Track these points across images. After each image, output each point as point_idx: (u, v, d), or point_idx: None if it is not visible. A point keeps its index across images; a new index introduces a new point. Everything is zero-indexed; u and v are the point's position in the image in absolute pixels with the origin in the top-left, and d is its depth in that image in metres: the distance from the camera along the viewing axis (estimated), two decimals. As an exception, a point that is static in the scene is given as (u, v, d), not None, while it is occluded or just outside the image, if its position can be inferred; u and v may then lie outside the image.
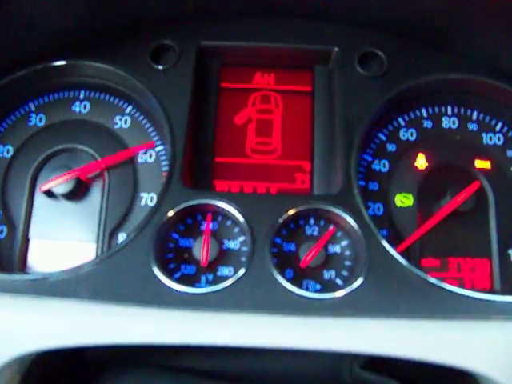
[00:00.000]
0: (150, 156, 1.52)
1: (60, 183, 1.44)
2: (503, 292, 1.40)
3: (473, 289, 1.30)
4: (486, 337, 1.25)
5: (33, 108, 1.57)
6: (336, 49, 1.54)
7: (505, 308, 1.27)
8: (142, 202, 1.48)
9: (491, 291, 1.41)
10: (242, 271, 1.28)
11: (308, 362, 1.55)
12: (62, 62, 1.53)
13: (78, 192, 1.47)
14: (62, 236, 1.47)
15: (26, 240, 1.47)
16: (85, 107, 1.57)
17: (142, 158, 1.52)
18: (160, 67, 1.51)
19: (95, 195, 1.49)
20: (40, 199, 1.49)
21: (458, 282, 1.42)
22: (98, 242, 1.45)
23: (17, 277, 1.30)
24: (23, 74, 1.53)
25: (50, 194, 1.47)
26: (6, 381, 1.27)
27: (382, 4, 1.47)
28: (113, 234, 1.46)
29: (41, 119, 1.56)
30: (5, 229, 1.48)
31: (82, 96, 1.58)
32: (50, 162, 1.52)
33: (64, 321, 1.25)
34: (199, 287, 1.27)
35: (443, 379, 1.49)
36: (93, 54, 1.53)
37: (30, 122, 1.56)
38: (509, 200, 1.48)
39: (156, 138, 1.53)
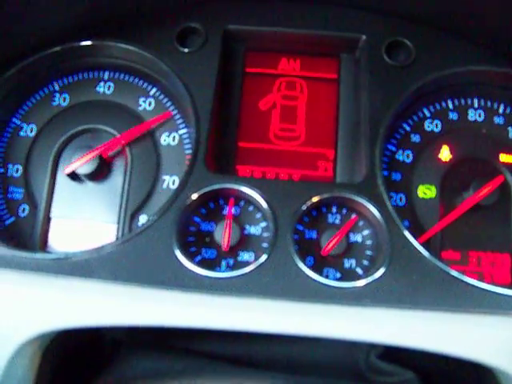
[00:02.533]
0: (174, 139, 1.51)
1: (83, 164, 1.44)
2: (523, 287, 1.40)
3: (493, 283, 1.29)
4: (506, 332, 1.24)
5: (57, 88, 1.57)
6: (363, 37, 1.53)
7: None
8: (164, 185, 1.48)
9: (511, 286, 1.40)
10: (263, 257, 1.28)
11: (324, 349, 1.55)
12: (88, 42, 1.53)
13: (101, 172, 1.47)
14: (83, 216, 1.48)
15: (47, 219, 1.48)
16: (109, 88, 1.57)
17: (165, 140, 1.51)
18: (186, 50, 1.50)
19: (117, 176, 1.50)
20: (62, 179, 1.50)
21: (478, 276, 1.42)
22: (118, 223, 1.46)
23: (39, 255, 1.31)
24: (48, 54, 1.52)
25: (73, 176, 1.47)
26: (28, 356, 1.28)
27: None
28: (134, 216, 1.47)
29: (65, 99, 1.56)
30: (27, 207, 1.49)
31: (106, 77, 1.58)
32: (73, 141, 1.52)
33: (85, 301, 1.26)
34: (219, 271, 1.28)
35: (459, 372, 1.49)
36: (119, 35, 1.52)
37: (54, 101, 1.56)
38: (532, 195, 1.48)
39: (180, 121, 1.52)
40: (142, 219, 1.46)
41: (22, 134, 1.54)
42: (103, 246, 1.30)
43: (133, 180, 1.48)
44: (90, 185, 1.49)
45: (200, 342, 1.57)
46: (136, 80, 1.57)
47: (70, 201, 1.49)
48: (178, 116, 1.53)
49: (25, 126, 1.54)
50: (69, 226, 1.48)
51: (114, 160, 1.51)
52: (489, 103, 1.55)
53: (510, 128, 1.53)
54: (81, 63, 1.58)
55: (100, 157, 1.46)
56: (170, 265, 1.27)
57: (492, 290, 1.26)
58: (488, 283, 1.27)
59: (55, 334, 1.28)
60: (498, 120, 1.53)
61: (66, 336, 1.30)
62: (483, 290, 1.26)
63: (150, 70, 1.54)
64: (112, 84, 1.57)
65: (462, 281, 1.27)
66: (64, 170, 1.46)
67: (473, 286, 1.27)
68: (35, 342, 1.26)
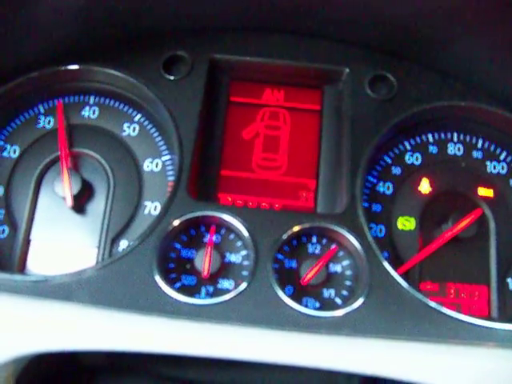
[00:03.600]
0: (157, 165, 1.52)
1: (70, 185, 1.44)
2: (500, 319, 1.42)
3: (470, 315, 1.30)
4: (483, 362, 1.25)
5: (42, 110, 1.58)
6: (347, 70, 1.55)
7: (502, 335, 1.28)
8: (146, 211, 1.49)
9: (488, 318, 1.41)
10: (243, 285, 1.29)
11: (304, 377, 1.55)
12: (75, 67, 1.54)
13: (83, 196, 1.47)
14: (63, 239, 1.47)
15: (27, 241, 1.47)
16: (94, 112, 1.58)
17: (148, 166, 1.52)
18: (172, 77, 1.52)
19: (99, 201, 1.50)
20: (44, 201, 1.49)
21: (456, 308, 1.43)
22: (99, 248, 1.46)
23: (18, 277, 1.30)
24: (35, 76, 1.53)
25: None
26: (0, 382, 1.26)
27: (393, 28, 1.49)
28: (114, 241, 1.47)
29: (49, 122, 1.57)
30: (6, 229, 1.48)
31: (92, 101, 1.59)
32: (56, 164, 1.52)
33: (63, 324, 1.25)
34: (199, 298, 1.28)
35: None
36: (106, 61, 1.54)
37: (39, 123, 1.57)
38: (509, 229, 1.50)
39: (163, 148, 1.53)
40: (123, 244, 1.46)
41: (4, 154, 1.54)
42: (83, 269, 1.29)
43: (115, 205, 1.48)
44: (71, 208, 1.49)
45: (179, 368, 1.56)
46: (121, 105, 1.58)
47: (50, 223, 1.48)
48: (161, 143, 1.54)
49: (8, 146, 1.54)
50: (48, 248, 1.47)
51: (97, 183, 1.51)
52: (468, 138, 1.58)
53: (488, 162, 1.56)
54: (67, 87, 1.58)
55: (80, 177, 1.46)
56: (150, 290, 1.27)
57: (469, 321, 1.27)
58: (466, 315, 1.28)
59: (30, 359, 1.26)
60: (476, 154, 1.57)
61: (42, 362, 1.28)
62: (461, 321, 1.27)
63: (135, 96, 1.56)
64: (97, 109, 1.58)
65: (440, 312, 1.28)
66: (68, 205, 1.45)
67: (450, 317, 1.28)
68: (9, 366, 1.24)
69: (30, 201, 1.48)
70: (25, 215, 1.47)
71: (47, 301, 1.26)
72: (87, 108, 1.58)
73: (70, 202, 1.44)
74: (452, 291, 1.46)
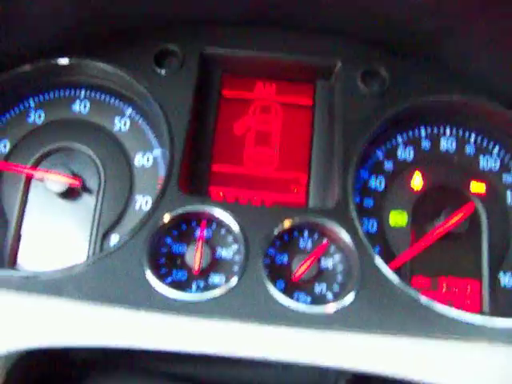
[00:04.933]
0: (148, 160, 1.52)
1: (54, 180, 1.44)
2: (492, 314, 1.41)
3: (461, 310, 1.29)
4: (473, 358, 1.25)
5: (32, 104, 1.57)
6: (339, 64, 1.54)
7: (492, 332, 1.27)
8: (137, 206, 1.48)
9: (480, 313, 1.41)
10: (234, 280, 1.28)
11: (293, 374, 1.55)
12: (66, 60, 1.53)
13: (73, 191, 1.47)
14: (54, 234, 1.47)
15: (17, 236, 1.46)
16: (85, 107, 1.57)
17: (139, 161, 1.52)
18: (163, 72, 1.51)
19: (90, 196, 1.49)
20: (34, 196, 1.49)
21: (448, 302, 1.42)
22: (90, 243, 1.45)
23: (9, 272, 1.30)
24: (26, 70, 1.53)
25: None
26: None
27: (386, 22, 1.48)
28: (106, 236, 1.46)
29: (40, 116, 1.56)
30: None
31: (82, 95, 1.58)
32: (46, 159, 1.51)
33: (53, 320, 1.24)
34: (190, 293, 1.27)
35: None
36: (97, 54, 1.53)
37: (29, 118, 1.56)
38: (501, 224, 1.50)
39: (154, 142, 1.53)
40: (114, 239, 1.46)
41: (-6, 149, 1.53)
42: (74, 265, 1.29)
43: (105, 200, 1.48)
44: (62, 203, 1.48)
45: (170, 363, 1.56)
46: (112, 100, 1.57)
47: (41, 219, 1.48)
48: (152, 137, 1.53)
49: (-2, 141, 1.54)
50: (39, 244, 1.46)
51: (87, 178, 1.50)
52: (460, 132, 1.57)
53: (480, 157, 1.55)
54: (57, 81, 1.58)
55: (70, 170, 1.46)
56: (141, 286, 1.27)
57: (460, 318, 1.27)
58: (457, 309, 1.28)
59: (20, 355, 1.25)
60: (469, 149, 1.56)
61: (32, 357, 1.27)
62: (451, 317, 1.27)
63: (126, 90, 1.55)
64: (88, 103, 1.57)
65: (431, 307, 1.28)
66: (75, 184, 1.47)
67: (442, 312, 1.27)
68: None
69: (20, 196, 1.48)
70: (15, 210, 1.47)
71: (38, 296, 1.25)
72: (78, 102, 1.57)
73: (74, 181, 1.45)
74: (444, 285, 1.46)
